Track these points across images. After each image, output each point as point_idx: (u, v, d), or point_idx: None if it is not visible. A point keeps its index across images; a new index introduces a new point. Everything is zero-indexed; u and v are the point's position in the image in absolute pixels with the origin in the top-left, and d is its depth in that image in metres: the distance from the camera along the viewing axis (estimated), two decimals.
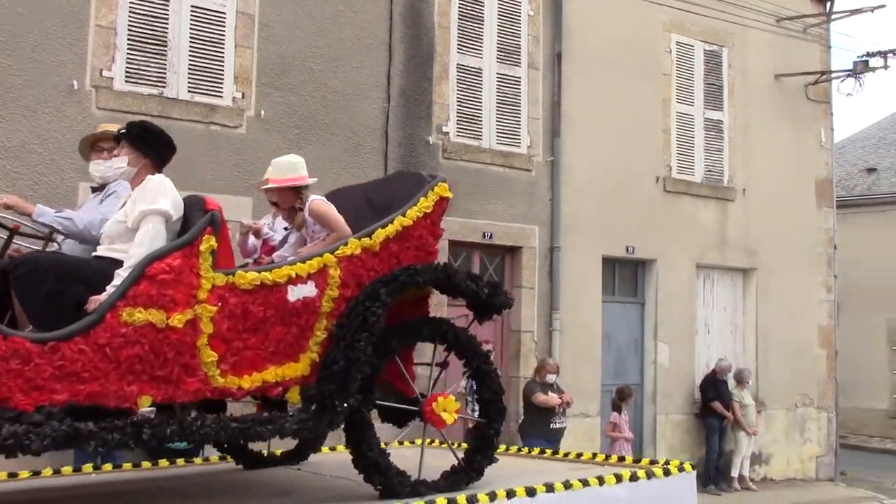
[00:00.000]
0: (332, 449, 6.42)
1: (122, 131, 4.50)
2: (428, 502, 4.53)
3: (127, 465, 6.09)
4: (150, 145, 4.47)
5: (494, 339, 10.94)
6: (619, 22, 12.58)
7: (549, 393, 10.08)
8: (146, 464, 6.15)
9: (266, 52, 9.72)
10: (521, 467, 5.95)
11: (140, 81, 8.98)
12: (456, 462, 5.02)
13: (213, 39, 9.42)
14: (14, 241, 4.55)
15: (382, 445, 4.72)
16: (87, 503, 5.10)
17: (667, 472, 5.66)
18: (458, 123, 11.02)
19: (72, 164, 8.03)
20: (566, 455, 6.66)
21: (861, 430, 22.69)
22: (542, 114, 11.73)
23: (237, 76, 9.52)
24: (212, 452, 6.38)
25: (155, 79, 9.06)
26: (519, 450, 7.09)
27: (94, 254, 4.42)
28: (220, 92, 9.43)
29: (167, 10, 9.15)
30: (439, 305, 8.73)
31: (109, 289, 3.95)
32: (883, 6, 14.17)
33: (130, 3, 8.96)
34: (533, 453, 6.85)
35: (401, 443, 6.06)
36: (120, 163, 4.47)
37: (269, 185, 5.12)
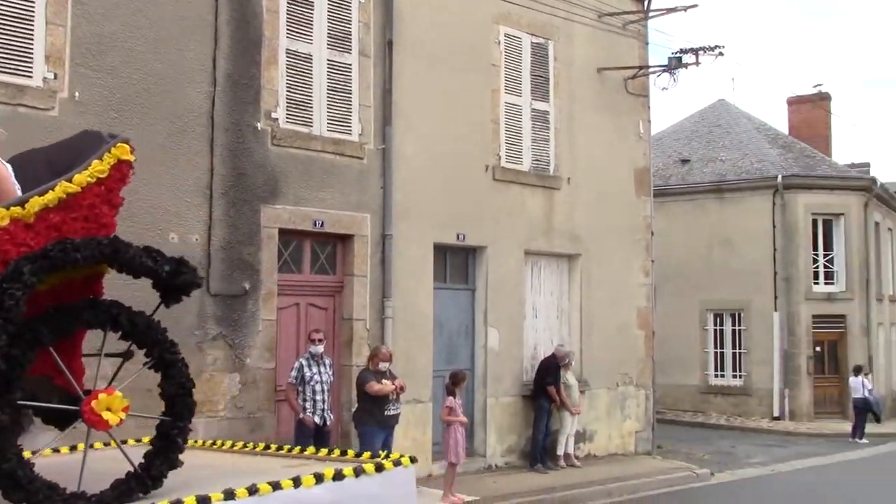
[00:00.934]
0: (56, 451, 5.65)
1: None
2: None
3: None
4: None
5: (326, 328, 10.87)
6: (450, 12, 12.73)
7: (383, 381, 10.12)
8: None
9: (81, 30, 9.17)
10: (227, 467, 5.46)
11: None
12: (132, 468, 4.44)
13: (20, 15, 8.80)
14: None
15: (27, 454, 4.16)
16: None
17: (379, 468, 5.18)
18: (287, 110, 10.82)
19: None
20: (290, 450, 6.10)
21: (676, 406, 24.17)
22: (374, 101, 11.70)
23: (48, 56, 8.94)
24: None
25: None
26: (233, 445, 6.51)
27: None
28: (30, 72, 8.83)
29: None
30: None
31: None
32: (695, 6, 15.04)
33: None
34: (258, 449, 6.29)
35: (74, 448, 5.43)
36: None
37: None
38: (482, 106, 13.15)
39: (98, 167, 4.41)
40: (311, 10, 11.15)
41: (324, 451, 6.08)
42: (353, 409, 10.51)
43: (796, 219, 23.89)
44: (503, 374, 13.24)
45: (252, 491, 4.36)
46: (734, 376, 24.61)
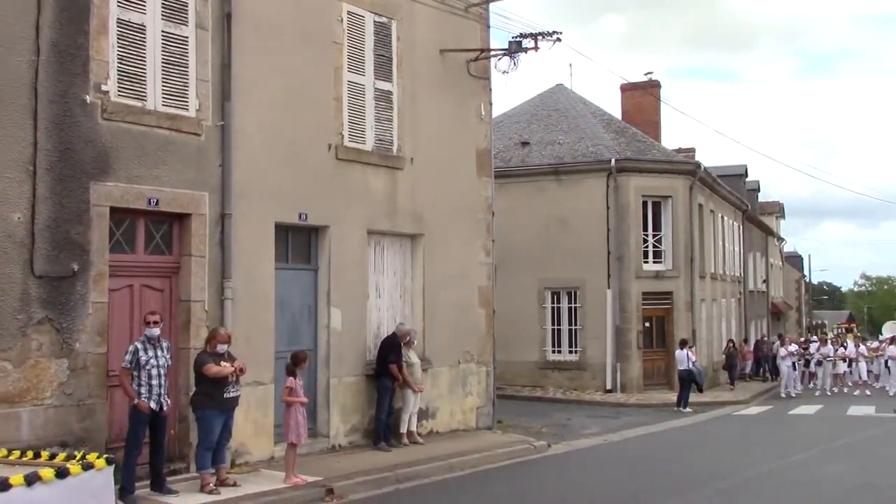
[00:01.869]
0: None
1: None
2: None
3: None
4: None
5: (162, 310, 10.51)
6: None
7: (222, 363, 9.91)
8: None
9: None
10: None
11: None
12: None
13: None
14: None
15: None
16: None
17: (62, 474, 4.78)
18: (119, 82, 10.32)
19: None
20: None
21: (516, 381, 24.90)
22: (212, 76, 11.34)
23: None
24: None
25: None
26: None
27: None
28: None
29: None
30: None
31: None
32: None
33: None
34: None
35: None
36: None
37: None
38: (325, 84, 13.01)
39: None
40: None
41: (16, 453, 5.54)
42: (191, 393, 10.24)
43: (628, 200, 25.02)
44: (346, 354, 13.22)
45: None
46: (570, 352, 25.59)
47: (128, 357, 9.44)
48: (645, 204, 25.57)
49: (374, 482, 10.98)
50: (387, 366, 13.23)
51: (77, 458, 5.04)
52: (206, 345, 10.17)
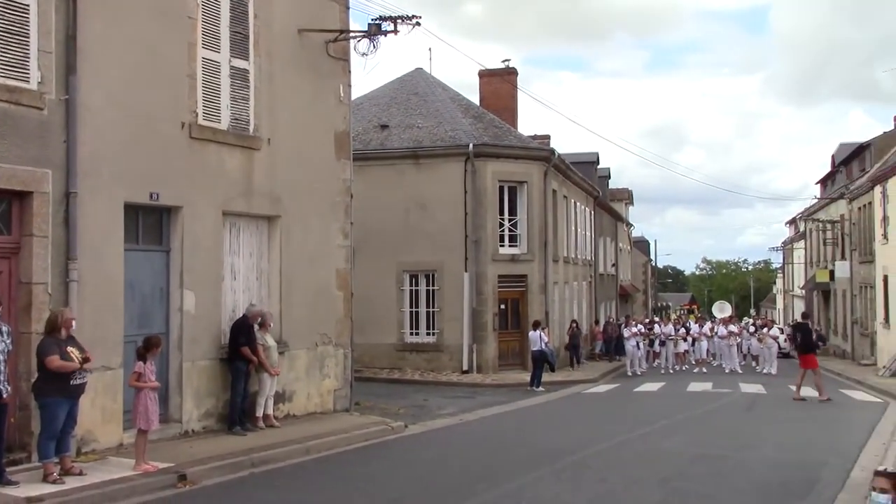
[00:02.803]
0: None
1: None
2: None
3: None
4: None
5: (1, 293, 9.97)
6: None
7: (68, 349, 9.51)
8: None
9: None
10: None
11: None
12: None
13: None
14: None
15: None
16: None
17: None
18: None
19: None
20: None
21: (374, 364, 25.03)
22: (56, 48, 10.76)
23: None
24: None
25: None
26: None
27: None
28: None
29: None
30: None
31: None
32: None
33: None
34: None
35: None
36: None
37: None
38: (178, 60, 12.60)
39: None
40: None
41: None
42: (34, 380, 9.77)
43: (485, 185, 25.50)
44: (200, 337, 12.93)
45: None
46: (428, 334, 25.91)
47: None
48: (501, 189, 26.13)
49: (229, 467, 10.82)
50: (238, 348, 13.03)
51: None
52: (49, 329, 9.71)
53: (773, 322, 36.02)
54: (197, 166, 12.84)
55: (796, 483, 10.30)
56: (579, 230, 34.40)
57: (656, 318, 41.04)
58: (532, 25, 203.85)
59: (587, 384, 24.70)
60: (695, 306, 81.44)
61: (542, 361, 22.66)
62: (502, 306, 25.99)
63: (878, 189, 31.36)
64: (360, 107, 27.40)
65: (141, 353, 10.41)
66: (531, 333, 23.09)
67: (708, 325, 33.85)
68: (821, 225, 44.05)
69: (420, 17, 15.70)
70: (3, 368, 9.10)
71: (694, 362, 30.97)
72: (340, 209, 15.96)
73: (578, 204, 34.35)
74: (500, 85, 31.64)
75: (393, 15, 15.84)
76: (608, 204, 44.87)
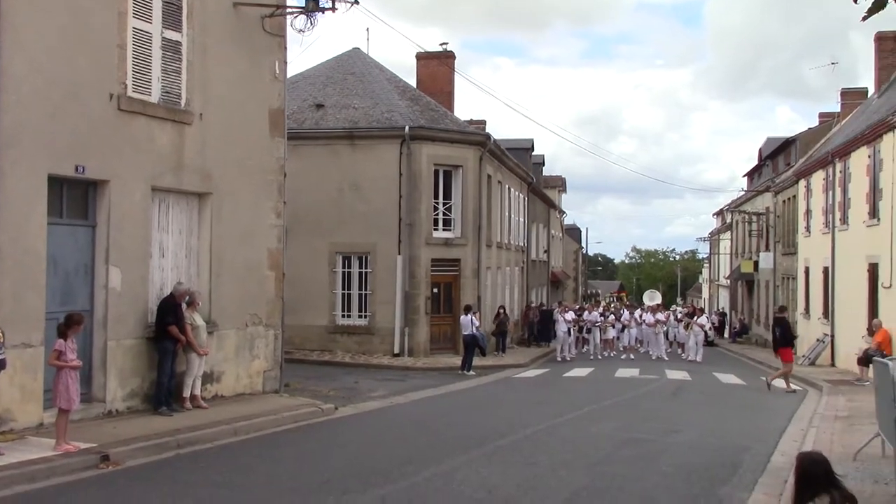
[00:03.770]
0: None
1: None
2: None
3: None
4: None
5: None
6: None
7: None
8: None
9: None
10: None
11: None
12: None
13: None
14: None
15: None
16: None
17: None
18: None
19: None
20: None
21: (305, 345, 24.83)
22: None
23: None
24: None
25: None
26: None
27: None
28: None
29: None
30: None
31: None
32: None
33: None
34: None
35: None
36: None
37: None
38: (107, 30, 12.20)
39: None
40: None
41: None
42: None
43: (420, 168, 25.41)
44: (126, 315, 12.61)
45: None
46: (360, 316, 25.78)
47: None
48: (437, 172, 26.06)
49: (154, 447, 10.59)
50: (165, 328, 12.74)
51: None
52: None
53: (702, 311, 36.79)
54: (125, 139, 12.48)
55: (720, 467, 10.53)
56: (513, 216, 34.58)
57: (586, 305, 41.58)
58: (471, 10, 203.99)
59: (517, 368, 24.90)
60: (623, 294, 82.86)
61: (473, 346, 22.75)
62: (435, 290, 26.00)
63: (802, 183, 32.23)
64: (296, 85, 27.01)
65: (62, 331, 10.09)
66: (463, 318, 23.15)
67: (637, 312, 34.41)
68: (746, 217, 45.16)
69: None
70: None
71: (622, 349, 31.48)
72: (273, 188, 15.71)
73: (513, 190, 34.52)
74: (437, 68, 31.53)
75: None
76: (542, 191, 45.20)
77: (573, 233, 68.88)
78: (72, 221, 12.03)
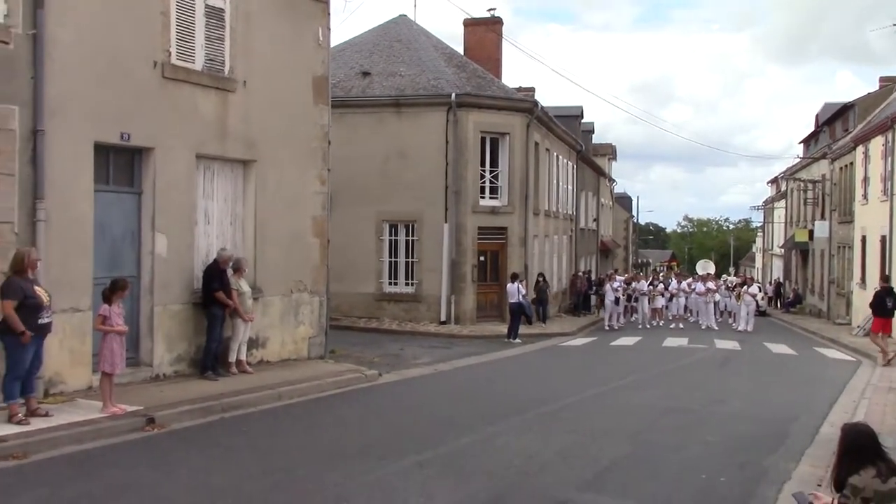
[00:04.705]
0: None
1: None
2: None
3: None
4: None
5: None
6: None
7: (35, 287, 9.36)
8: None
9: None
10: None
11: None
12: None
13: None
14: None
15: None
16: None
17: None
18: None
19: None
20: None
21: (352, 313, 24.97)
22: None
23: None
24: None
25: None
26: None
27: None
28: None
29: None
30: None
31: None
32: None
33: None
34: None
35: None
36: None
37: None
38: None
39: None
40: None
41: None
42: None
43: (467, 136, 25.23)
44: (172, 281, 12.77)
45: None
46: (406, 284, 25.82)
47: None
48: (483, 140, 25.86)
49: (199, 411, 10.75)
50: (212, 294, 12.88)
51: None
52: (15, 269, 9.52)
53: (752, 279, 36.15)
54: (170, 107, 12.57)
55: (766, 437, 10.35)
56: (561, 184, 34.24)
57: (639, 274, 41.13)
58: None
59: (564, 337, 24.77)
60: (675, 263, 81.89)
61: (519, 314, 22.67)
62: (481, 258, 25.91)
63: (860, 149, 31.34)
64: (342, 53, 26.95)
65: (106, 296, 10.25)
66: (509, 286, 23.05)
67: (687, 281, 33.94)
68: (802, 185, 44.13)
69: None
70: None
71: (670, 318, 31.11)
72: (318, 155, 15.72)
73: (561, 157, 34.15)
74: (484, 35, 31.20)
75: None
76: (591, 159, 44.68)
77: (624, 201, 68.12)
78: (118, 188, 12.19)
